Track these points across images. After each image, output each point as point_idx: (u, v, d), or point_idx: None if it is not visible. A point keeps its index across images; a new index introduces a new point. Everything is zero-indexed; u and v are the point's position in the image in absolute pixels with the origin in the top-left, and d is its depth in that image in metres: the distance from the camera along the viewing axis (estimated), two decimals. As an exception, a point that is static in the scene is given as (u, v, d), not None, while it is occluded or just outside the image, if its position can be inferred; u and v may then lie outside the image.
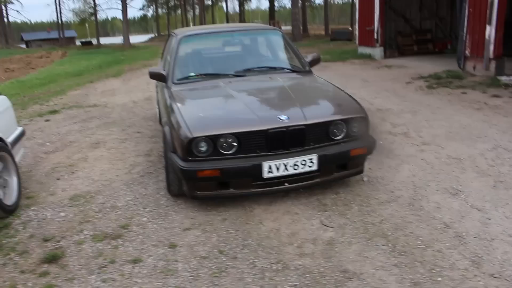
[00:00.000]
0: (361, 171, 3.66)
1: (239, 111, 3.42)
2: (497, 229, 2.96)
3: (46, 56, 25.77)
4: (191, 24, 54.94)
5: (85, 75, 14.78)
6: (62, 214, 3.70)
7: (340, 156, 3.36)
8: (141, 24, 69.29)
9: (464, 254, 2.68)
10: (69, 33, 55.32)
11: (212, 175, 3.19)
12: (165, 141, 3.65)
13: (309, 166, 3.26)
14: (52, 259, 2.97)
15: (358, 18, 13.75)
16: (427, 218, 3.15)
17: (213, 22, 51.67)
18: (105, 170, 4.70)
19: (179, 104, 3.68)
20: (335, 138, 3.38)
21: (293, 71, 4.42)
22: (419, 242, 2.83)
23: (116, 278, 2.70)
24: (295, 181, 3.34)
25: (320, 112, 3.47)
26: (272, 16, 38.84)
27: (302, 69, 4.48)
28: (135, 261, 2.87)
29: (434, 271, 2.53)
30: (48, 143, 5.92)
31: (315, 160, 3.25)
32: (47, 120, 7.40)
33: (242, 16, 49.51)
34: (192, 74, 4.35)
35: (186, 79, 4.28)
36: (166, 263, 2.82)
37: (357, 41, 14.17)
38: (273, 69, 4.37)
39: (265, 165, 3.17)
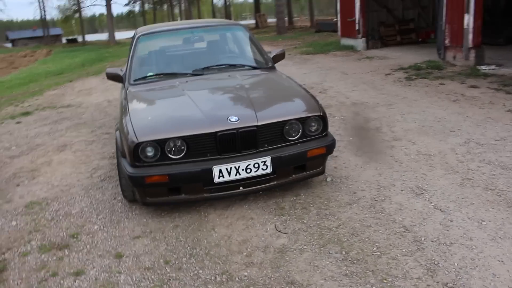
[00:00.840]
0: (321, 172, 3.52)
1: (189, 113, 3.26)
2: (458, 232, 2.83)
3: (30, 55, 25.43)
4: (178, 18, 54.47)
5: (66, 74, 14.56)
6: (14, 223, 3.54)
7: (296, 157, 3.21)
8: (130, 20, 68.62)
9: (420, 261, 2.54)
10: (54, 31, 54.74)
11: (161, 181, 3.04)
12: (116, 145, 3.50)
13: (263, 169, 3.11)
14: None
15: (340, 9, 13.55)
16: (386, 221, 3.02)
17: (199, 16, 51.18)
18: (67, 174, 4.54)
19: (130, 106, 3.52)
20: (291, 138, 3.23)
21: (254, 68, 4.26)
22: (375, 249, 2.70)
23: (52, 295, 2.56)
24: (250, 184, 3.20)
25: (273, 111, 3.31)
26: (257, 8, 38.37)
27: (265, 65, 4.31)
28: (77, 273, 2.73)
29: (385, 281, 2.40)
30: (14, 147, 5.74)
31: (268, 163, 3.11)
32: (18, 123, 7.20)
33: (228, 9, 49.00)
34: (150, 74, 4.18)
35: (143, 79, 4.10)
36: (109, 275, 2.67)
37: (339, 33, 13.99)
38: (233, 66, 4.20)
39: (216, 170, 3.02)
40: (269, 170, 3.13)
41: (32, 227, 3.42)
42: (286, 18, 32.06)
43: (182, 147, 3.05)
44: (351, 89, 7.49)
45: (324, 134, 3.37)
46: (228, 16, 47.75)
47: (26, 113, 7.89)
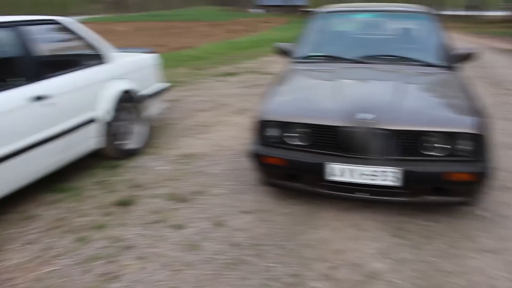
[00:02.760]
0: (470, 203, 2.88)
1: (326, 102, 3.02)
2: None
3: (268, 22, 27.71)
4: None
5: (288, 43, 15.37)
6: (166, 167, 3.96)
7: (429, 176, 2.69)
8: None
9: None
10: (298, 1, 58.13)
11: (275, 164, 2.95)
12: None
13: (388, 180, 2.70)
14: (123, 204, 3.24)
15: None
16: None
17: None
18: (230, 136, 4.83)
19: (278, 83, 3.48)
20: (430, 153, 2.70)
21: (429, 65, 3.66)
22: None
23: (149, 235, 2.79)
24: (376, 193, 2.82)
25: (416, 118, 2.77)
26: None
27: (445, 64, 3.67)
28: (177, 226, 2.90)
29: None
30: (205, 102, 6.40)
31: (396, 175, 2.67)
32: (220, 81, 7.99)
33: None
34: (316, 53, 4.03)
35: (307, 58, 3.99)
36: (199, 239, 2.76)
37: None
38: (404, 59, 3.70)
39: (328, 166, 2.76)
40: (396, 182, 2.70)
41: (175, 175, 3.77)
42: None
43: (306, 135, 2.88)
44: None
45: (477, 158, 2.71)
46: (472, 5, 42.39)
47: (232, 74, 8.68)
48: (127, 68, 4.31)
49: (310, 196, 3.24)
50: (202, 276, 2.40)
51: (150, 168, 3.97)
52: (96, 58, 4.04)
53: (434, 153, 2.70)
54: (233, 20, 28.23)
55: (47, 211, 3.18)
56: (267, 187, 3.37)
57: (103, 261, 2.55)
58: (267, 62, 10.60)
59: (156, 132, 4.98)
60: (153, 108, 4.72)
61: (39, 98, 3.18)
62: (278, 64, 10.07)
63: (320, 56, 3.98)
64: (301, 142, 2.89)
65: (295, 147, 2.91)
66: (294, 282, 2.33)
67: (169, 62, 10.41)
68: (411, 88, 3.22)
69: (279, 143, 2.96)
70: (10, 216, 3.11)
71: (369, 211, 3.07)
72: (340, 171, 2.74)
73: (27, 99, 3.09)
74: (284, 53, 4.18)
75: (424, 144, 2.70)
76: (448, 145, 2.68)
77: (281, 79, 3.59)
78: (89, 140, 3.77)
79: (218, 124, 5.33)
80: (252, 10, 57.82)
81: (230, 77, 8.40)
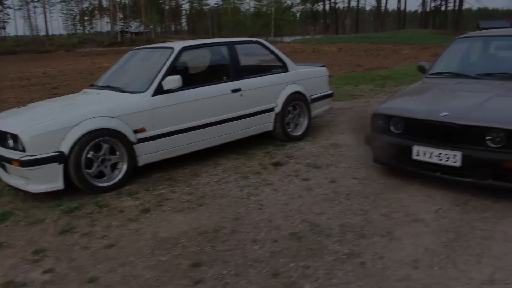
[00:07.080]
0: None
1: (423, 103, 4.13)
2: None
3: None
4: None
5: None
6: (315, 149, 5.43)
7: (487, 162, 3.48)
8: None
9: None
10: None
11: (380, 145, 4.15)
12: None
13: (453, 162, 3.61)
14: (276, 164, 4.86)
15: None
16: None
17: None
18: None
19: (404, 90, 4.66)
20: (491, 145, 3.49)
21: None
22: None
23: (284, 181, 4.29)
24: (447, 172, 3.73)
25: (485, 116, 3.58)
26: None
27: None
28: (304, 179, 4.33)
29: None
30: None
31: (458, 158, 3.57)
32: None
33: None
34: (443, 71, 4.91)
35: (438, 74, 4.91)
36: (315, 186, 4.14)
37: None
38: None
39: (414, 148, 3.83)
40: (458, 164, 3.59)
41: (317, 154, 5.20)
42: None
43: (402, 125, 4.00)
44: None
45: None
46: None
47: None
48: (301, 76, 5.93)
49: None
50: (306, 202, 3.81)
51: (304, 148, 5.49)
52: (280, 68, 5.80)
53: (495, 145, 3.48)
54: (443, 44, 27.63)
55: (228, 162, 5.03)
56: (376, 165, 4.52)
57: (252, 188, 4.20)
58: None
59: (320, 127, 6.49)
60: (317, 108, 6.24)
61: (236, 90, 5.07)
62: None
63: (446, 73, 4.86)
64: (399, 130, 4.02)
65: (394, 134, 4.04)
66: (361, 213, 3.53)
67: (358, 80, 11.84)
68: (501, 97, 3.95)
69: (384, 132, 4.13)
70: (207, 162, 5.06)
71: (446, 189, 3.93)
72: (423, 153, 3.77)
73: (229, 90, 5.02)
74: (422, 69, 5.19)
75: (486, 137, 3.51)
76: (508, 139, 3.44)
77: (409, 87, 4.73)
78: (265, 124, 5.52)
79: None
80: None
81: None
